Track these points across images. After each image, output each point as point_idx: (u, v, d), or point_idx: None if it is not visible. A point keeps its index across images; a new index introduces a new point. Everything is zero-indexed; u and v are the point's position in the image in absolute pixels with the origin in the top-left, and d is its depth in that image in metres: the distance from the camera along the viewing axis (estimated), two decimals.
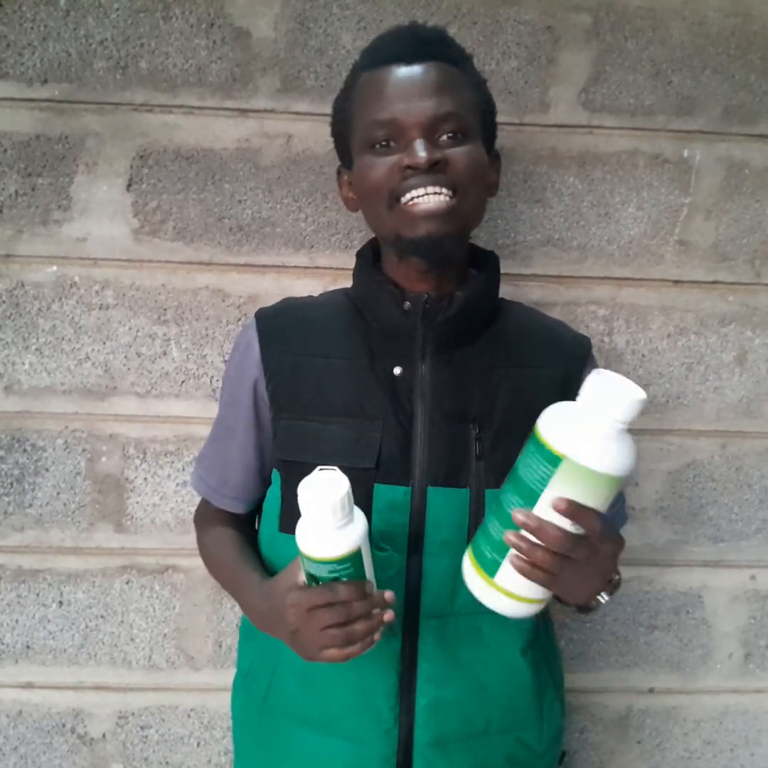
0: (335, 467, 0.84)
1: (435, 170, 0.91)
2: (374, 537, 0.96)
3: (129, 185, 1.26)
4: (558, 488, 0.76)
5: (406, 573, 0.98)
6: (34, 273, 1.27)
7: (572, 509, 0.76)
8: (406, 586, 0.98)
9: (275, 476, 1.05)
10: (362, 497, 0.96)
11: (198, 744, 1.42)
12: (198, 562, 1.19)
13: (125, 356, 1.30)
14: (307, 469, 0.98)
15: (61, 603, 1.36)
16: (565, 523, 0.78)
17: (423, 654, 0.98)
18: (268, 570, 1.06)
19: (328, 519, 0.81)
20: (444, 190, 0.91)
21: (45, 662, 1.38)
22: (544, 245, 1.32)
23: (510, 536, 0.78)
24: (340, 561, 0.83)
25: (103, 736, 1.41)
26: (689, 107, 1.29)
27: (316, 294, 1.14)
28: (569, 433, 0.77)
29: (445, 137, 0.93)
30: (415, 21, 1.03)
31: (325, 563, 0.83)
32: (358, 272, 1.07)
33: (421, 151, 0.90)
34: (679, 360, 1.37)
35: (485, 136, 1.00)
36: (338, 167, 1.07)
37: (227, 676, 1.20)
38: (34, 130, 1.23)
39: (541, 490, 0.77)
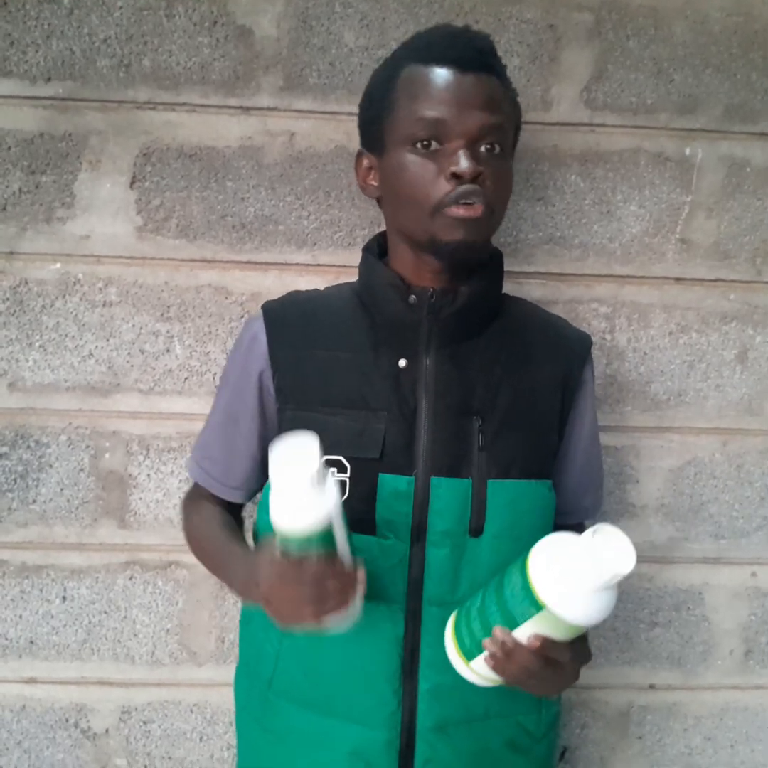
0: (311, 434, 0.84)
1: (475, 182, 0.93)
2: (379, 526, 0.99)
3: (132, 183, 1.26)
4: (536, 625, 0.86)
5: (409, 561, 1.00)
6: (38, 270, 1.28)
7: (546, 646, 0.86)
8: (409, 574, 1.00)
9: None
10: (367, 487, 0.99)
11: (201, 739, 1.43)
12: None
13: (128, 353, 1.31)
14: None
15: (64, 598, 1.37)
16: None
17: (425, 640, 1.00)
18: None
19: (297, 490, 0.81)
20: (479, 202, 0.94)
21: (48, 657, 1.39)
22: (546, 243, 1.32)
23: (488, 645, 0.88)
24: (309, 536, 0.83)
25: (106, 731, 1.41)
26: (691, 106, 1.29)
27: (325, 288, 1.14)
28: (555, 587, 0.84)
29: (483, 149, 0.95)
30: (467, 26, 1.04)
31: (293, 537, 0.83)
32: (364, 266, 1.08)
33: (466, 162, 0.92)
34: (680, 358, 1.37)
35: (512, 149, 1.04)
36: (359, 150, 1.06)
37: (230, 671, 1.21)
38: (38, 127, 1.24)
39: (522, 622, 0.87)
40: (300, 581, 0.86)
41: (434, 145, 0.94)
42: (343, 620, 0.90)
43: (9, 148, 1.24)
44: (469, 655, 0.93)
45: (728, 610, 1.46)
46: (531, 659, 0.87)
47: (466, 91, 0.94)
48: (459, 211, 0.94)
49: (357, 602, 0.90)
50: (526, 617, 0.86)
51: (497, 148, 0.96)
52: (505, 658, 0.87)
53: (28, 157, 1.24)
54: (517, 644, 0.87)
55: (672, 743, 1.50)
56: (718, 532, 1.43)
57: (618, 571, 0.81)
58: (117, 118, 1.24)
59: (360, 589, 0.89)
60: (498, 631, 0.87)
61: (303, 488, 0.81)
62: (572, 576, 0.83)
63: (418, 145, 0.95)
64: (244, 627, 1.18)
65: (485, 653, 0.89)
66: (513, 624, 0.87)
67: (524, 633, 0.87)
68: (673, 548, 1.43)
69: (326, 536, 0.84)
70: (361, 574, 0.89)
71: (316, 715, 1.04)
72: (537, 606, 0.85)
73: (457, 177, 0.93)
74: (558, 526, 1.12)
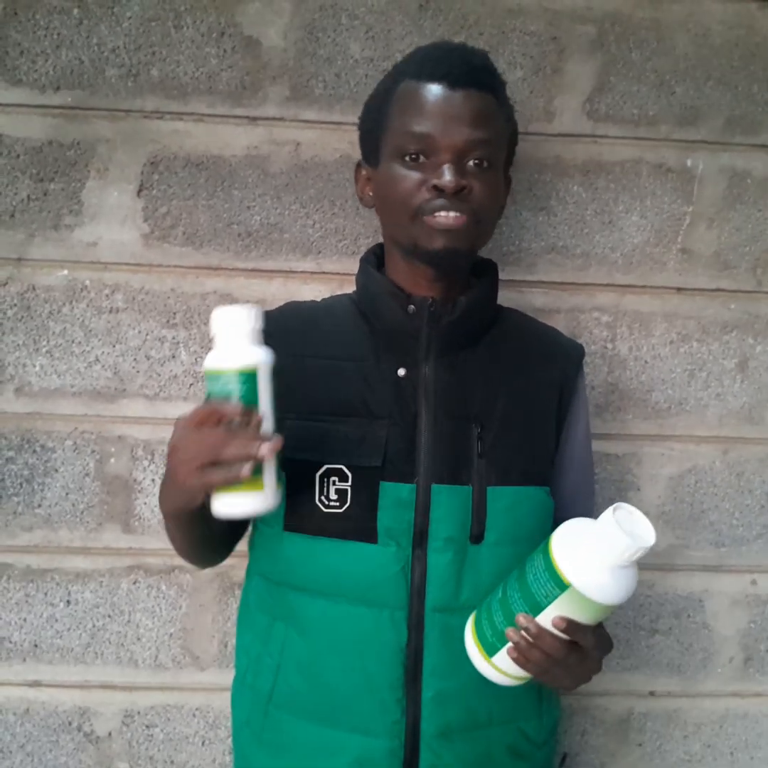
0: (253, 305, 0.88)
1: (459, 196, 0.95)
2: (380, 533, 0.99)
3: (139, 191, 1.28)
4: (561, 607, 0.86)
5: (412, 568, 1.00)
6: (46, 277, 1.29)
7: (571, 628, 0.86)
8: (411, 581, 1.00)
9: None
10: (369, 495, 0.99)
11: (203, 743, 1.43)
12: None
13: (134, 359, 1.32)
14: (313, 468, 0.99)
15: (68, 602, 1.38)
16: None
17: (428, 647, 1.00)
18: (267, 569, 1.07)
19: (230, 331, 0.85)
20: (463, 214, 0.96)
21: (52, 661, 1.39)
22: (549, 252, 1.33)
23: (512, 634, 0.88)
24: (233, 375, 0.84)
25: (109, 734, 1.42)
26: (692, 117, 1.30)
27: (322, 299, 1.16)
28: (579, 565, 0.85)
29: (471, 163, 0.97)
30: (464, 43, 1.07)
31: (218, 375, 0.85)
32: (363, 276, 1.10)
33: (450, 176, 0.94)
34: (681, 366, 1.38)
35: (505, 163, 1.05)
36: (358, 161, 1.10)
37: (232, 676, 1.21)
38: (47, 136, 1.25)
39: (546, 605, 0.86)
40: (211, 419, 0.83)
41: (422, 158, 0.97)
42: (251, 498, 0.86)
43: (18, 156, 1.25)
44: (490, 650, 0.92)
45: (728, 618, 1.46)
46: (555, 645, 0.86)
47: (455, 106, 0.96)
48: (439, 221, 0.96)
49: (270, 478, 0.86)
50: (550, 599, 0.86)
51: (485, 164, 0.98)
52: (528, 647, 0.87)
53: (36, 164, 1.26)
54: (541, 630, 0.86)
55: (672, 750, 1.50)
56: (719, 539, 1.43)
57: (640, 545, 0.83)
58: (125, 126, 1.25)
59: (265, 447, 0.82)
60: (521, 617, 0.87)
61: (234, 334, 0.85)
62: (596, 552, 0.84)
63: (407, 158, 0.97)
64: (241, 639, 1.17)
65: (508, 645, 0.89)
66: (537, 609, 0.87)
67: (548, 617, 0.86)
68: (673, 555, 1.43)
69: (248, 383, 0.84)
70: (277, 440, 0.84)
71: (318, 726, 1.03)
72: (562, 586, 0.85)
73: (439, 190, 0.95)
74: None
